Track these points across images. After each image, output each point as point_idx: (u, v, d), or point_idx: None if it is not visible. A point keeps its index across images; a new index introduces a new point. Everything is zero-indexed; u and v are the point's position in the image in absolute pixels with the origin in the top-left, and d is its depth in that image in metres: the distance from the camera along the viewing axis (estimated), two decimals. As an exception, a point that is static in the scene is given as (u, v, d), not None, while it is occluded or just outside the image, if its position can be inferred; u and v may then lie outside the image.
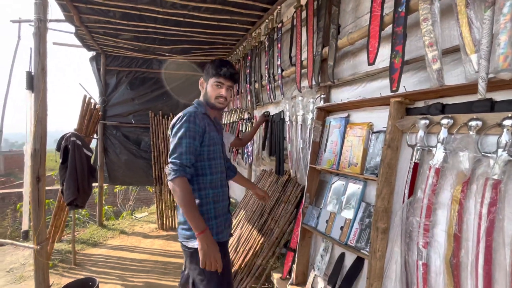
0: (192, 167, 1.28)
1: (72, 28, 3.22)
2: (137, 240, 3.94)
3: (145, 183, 4.90)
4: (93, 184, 3.30)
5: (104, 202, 5.18)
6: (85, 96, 3.38)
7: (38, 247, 2.04)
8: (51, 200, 4.88)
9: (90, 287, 2.24)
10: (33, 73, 1.99)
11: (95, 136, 3.91)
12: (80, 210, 5.10)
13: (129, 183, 5.27)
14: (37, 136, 2.00)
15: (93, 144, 3.83)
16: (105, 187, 5.88)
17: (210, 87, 1.37)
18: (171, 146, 1.27)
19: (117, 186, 6.90)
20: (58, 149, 2.89)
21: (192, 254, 1.31)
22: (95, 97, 4.10)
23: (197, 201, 1.31)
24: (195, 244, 1.27)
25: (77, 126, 3.29)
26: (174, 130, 1.28)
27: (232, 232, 1.53)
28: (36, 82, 1.99)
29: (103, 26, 3.08)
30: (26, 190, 2.15)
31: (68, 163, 2.77)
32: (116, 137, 4.45)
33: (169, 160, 1.25)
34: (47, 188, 4.45)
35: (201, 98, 1.44)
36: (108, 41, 3.62)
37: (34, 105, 2.00)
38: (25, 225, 2.27)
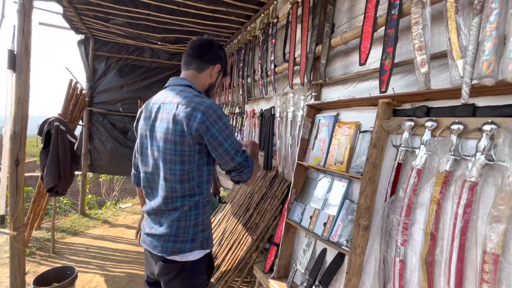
0: None
1: (60, 9, 3.09)
2: (120, 231, 3.87)
3: (131, 173, 4.79)
4: (77, 173, 3.21)
5: (87, 191, 5.05)
6: (71, 80, 3.26)
7: (15, 233, 1.97)
8: (31, 188, 4.71)
9: (69, 276, 2.19)
10: (15, 52, 1.91)
11: (80, 122, 3.80)
12: (61, 198, 4.96)
13: (113, 172, 5.14)
14: (18, 118, 1.92)
15: (77, 131, 3.72)
16: (90, 175, 5.73)
17: (217, 76, 1.19)
18: (227, 143, 1.00)
19: (102, 176, 6.73)
20: (40, 133, 2.79)
21: (183, 268, 1.04)
22: (82, 82, 3.97)
23: (200, 209, 1.08)
24: (189, 256, 1.04)
25: (62, 111, 3.18)
26: (223, 122, 1.00)
27: (217, 226, 1.46)
28: (18, 61, 1.90)
29: (94, 9, 2.97)
30: (3, 174, 2.07)
31: (50, 148, 2.67)
32: (103, 125, 4.34)
33: (240, 161, 1.04)
34: (27, 174, 4.30)
35: (199, 85, 1.13)
36: (98, 25, 3.50)
37: (15, 85, 1.91)
38: (1, 210, 2.19)
